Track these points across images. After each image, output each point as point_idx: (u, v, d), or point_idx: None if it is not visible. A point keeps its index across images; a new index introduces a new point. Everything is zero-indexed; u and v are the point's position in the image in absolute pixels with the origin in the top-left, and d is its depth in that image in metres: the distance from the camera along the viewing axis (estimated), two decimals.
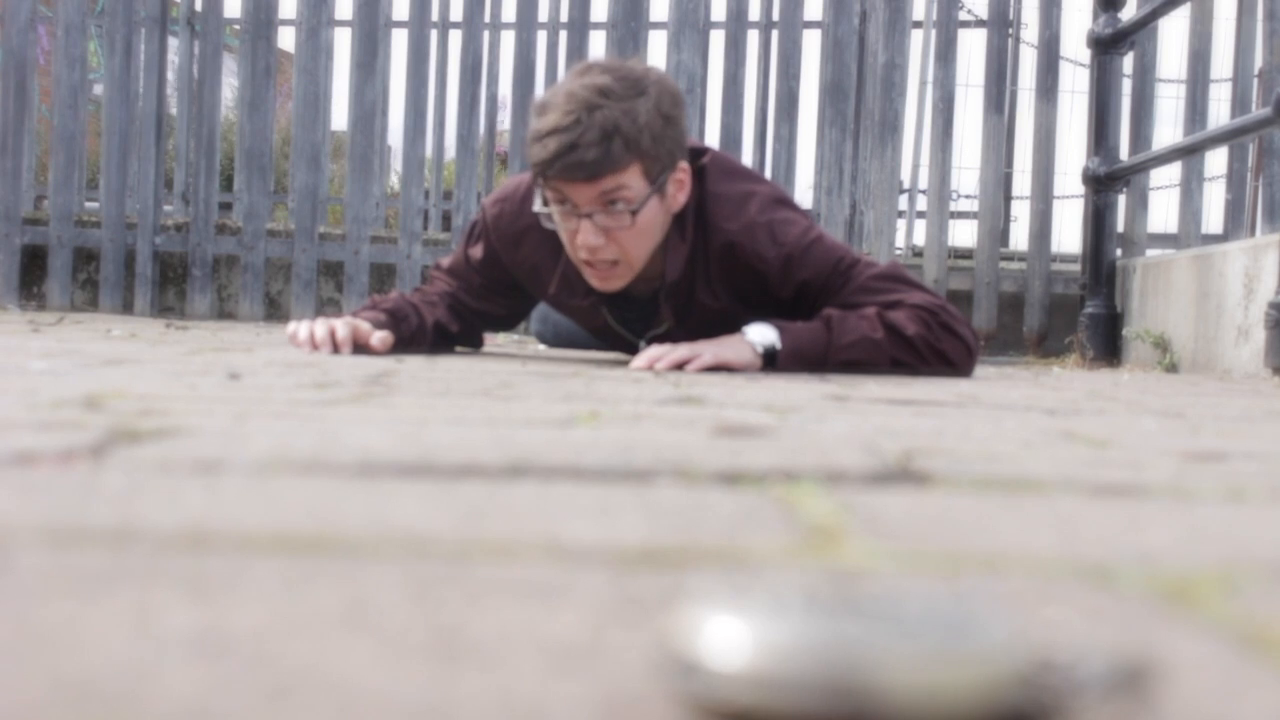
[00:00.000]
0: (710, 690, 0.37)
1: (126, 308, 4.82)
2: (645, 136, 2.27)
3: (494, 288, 2.66)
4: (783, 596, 0.40)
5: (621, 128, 2.24)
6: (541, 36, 4.84)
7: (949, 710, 0.36)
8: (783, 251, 2.42)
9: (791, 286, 2.43)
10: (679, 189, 2.39)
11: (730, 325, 2.47)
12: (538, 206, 2.37)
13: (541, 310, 3.10)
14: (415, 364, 2.31)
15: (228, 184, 4.95)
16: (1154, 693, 0.39)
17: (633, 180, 2.28)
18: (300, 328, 2.49)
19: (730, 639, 0.38)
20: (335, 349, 2.43)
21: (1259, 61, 4.04)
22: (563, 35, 4.83)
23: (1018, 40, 5.24)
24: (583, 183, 2.26)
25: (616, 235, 2.32)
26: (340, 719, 0.38)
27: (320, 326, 2.47)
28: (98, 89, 5.17)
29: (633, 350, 2.61)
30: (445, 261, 2.71)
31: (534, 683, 0.42)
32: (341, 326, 2.45)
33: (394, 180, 5.17)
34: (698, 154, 2.47)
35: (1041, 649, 0.39)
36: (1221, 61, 4.05)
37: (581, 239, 2.32)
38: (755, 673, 0.37)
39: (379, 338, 2.45)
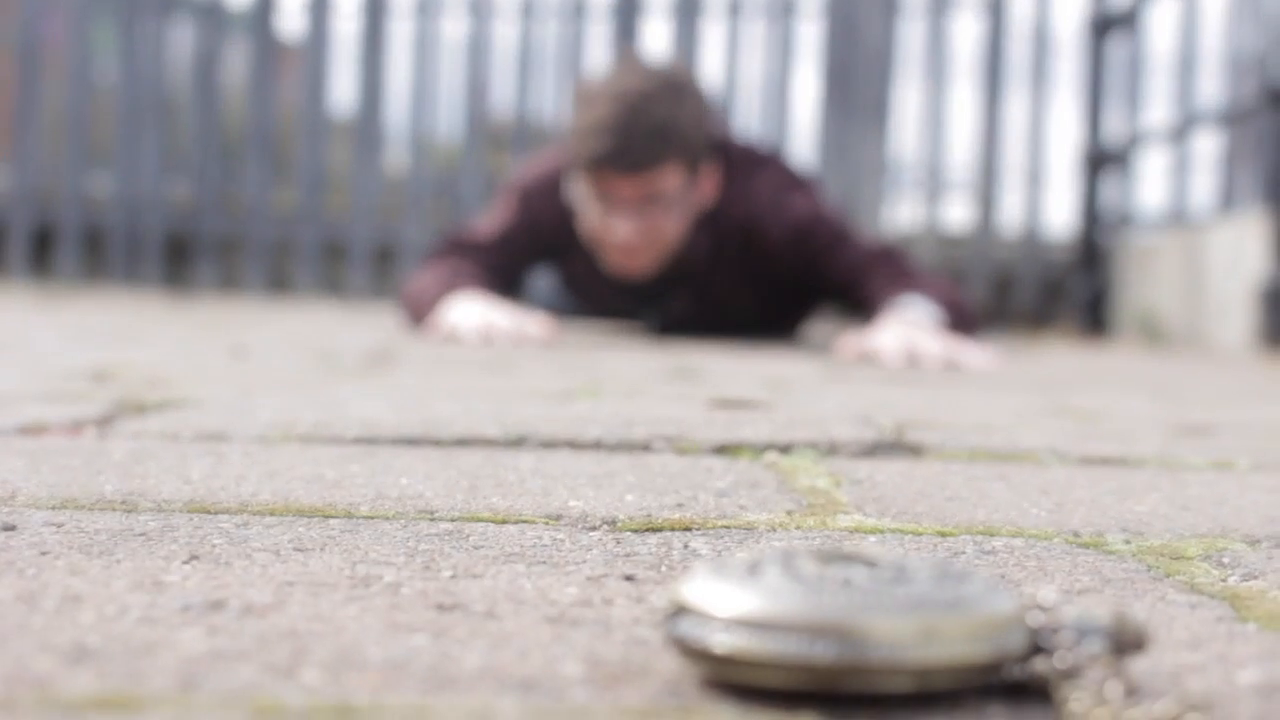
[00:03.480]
0: (702, 637, 0.38)
1: (134, 284, 4.83)
2: (687, 136, 2.36)
3: (521, 261, 2.65)
4: (774, 552, 0.41)
5: (668, 127, 2.32)
6: (549, 22, 4.83)
7: (939, 655, 0.37)
8: (791, 230, 2.45)
9: (801, 263, 2.46)
10: (708, 183, 2.46)
11: (740, 302, 2.56)
12: (574, 194, 2.42)
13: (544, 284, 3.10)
14: (415, 339, 2.32)
15: (235, 162, 4.94)
16: (1145, 644, 0.40)
17: (672, 176, 2.35)
18: (463, 323, 2.31)
19: (722, 587, 0.39)
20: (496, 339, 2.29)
21: (1252, 41, 4.04)
22: (565, 21, 4.82)
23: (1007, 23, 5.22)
24: (628, 178, 2.33)
25: (650, 227, 2.39)
26: (343, 679, 0.39)
27: (481, 319, 2.32)
28: (108, 70, 5.17)
29: (636, 317, 2.66)
30: (470, 234, 2.64)
31: (533, 642, 0.44)
32: (503, 318, 2.32)
33: (397, 159, 5.16)
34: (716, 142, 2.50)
35: (1032, 597, 0.40)
36: (1213, 41, 4.04)
37: (618, 230, 2.38)
38: (745, 618, 0.38)
39: (539, 327, 2.33)
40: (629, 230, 2.37)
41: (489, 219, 2.67)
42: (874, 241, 2.52)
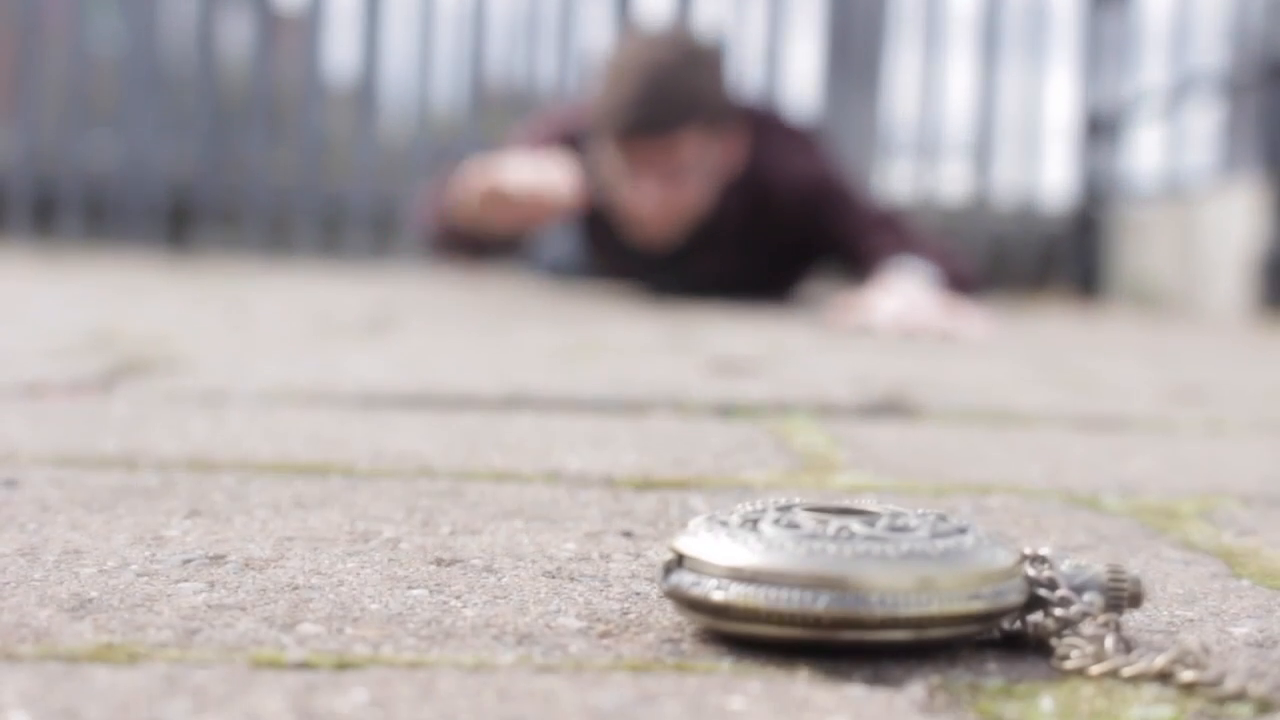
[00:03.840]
0: (699, 589, 0.38)
1: (135, 248, 4.82)
2: (712, 101, 2.37)
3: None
4: (771, 504, 0.41)
5: (696, 96, 2.33)
6: None
7: (937, 607, 0.37)
8: (802, 190, 2.47)
9: (808, 223, 2.49)
10: (732, 149, 2.46)
11: (745, 263, 2.58)
12: (599, 164, 2.41)
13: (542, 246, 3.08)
14: (415, 301, 2.32)
15: (235, 128, 4.92)
16: (1142, 599, 0.40)
17: (697, 142, 2.35)
18: (509, 172, 2.28)
19: (719, 540, 0.39)
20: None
21: (1252, 8, 4.02)
22: None
23: None
24: (654, 143, 2.32)
25: (676, 193, 2.39)
26: (342, 631, 0.39)
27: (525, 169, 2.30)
28: (108, 36, 5.16)
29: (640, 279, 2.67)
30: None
31: (531, 596, 0.44)
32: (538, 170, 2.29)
33: (396, 126, 5.15)
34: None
35: (1029, 550, 0.41)
36: (1212, 7, 4.02)
37: (644, 197, 2.38)
38: (742, 570, 0.38)
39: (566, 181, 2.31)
40: (655, 196, 2.37)
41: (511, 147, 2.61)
42: (880, 205, 2.54)
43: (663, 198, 2.38)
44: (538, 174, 2.28)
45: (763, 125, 2.55)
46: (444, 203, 2.46)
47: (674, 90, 2.31)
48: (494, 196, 2.27)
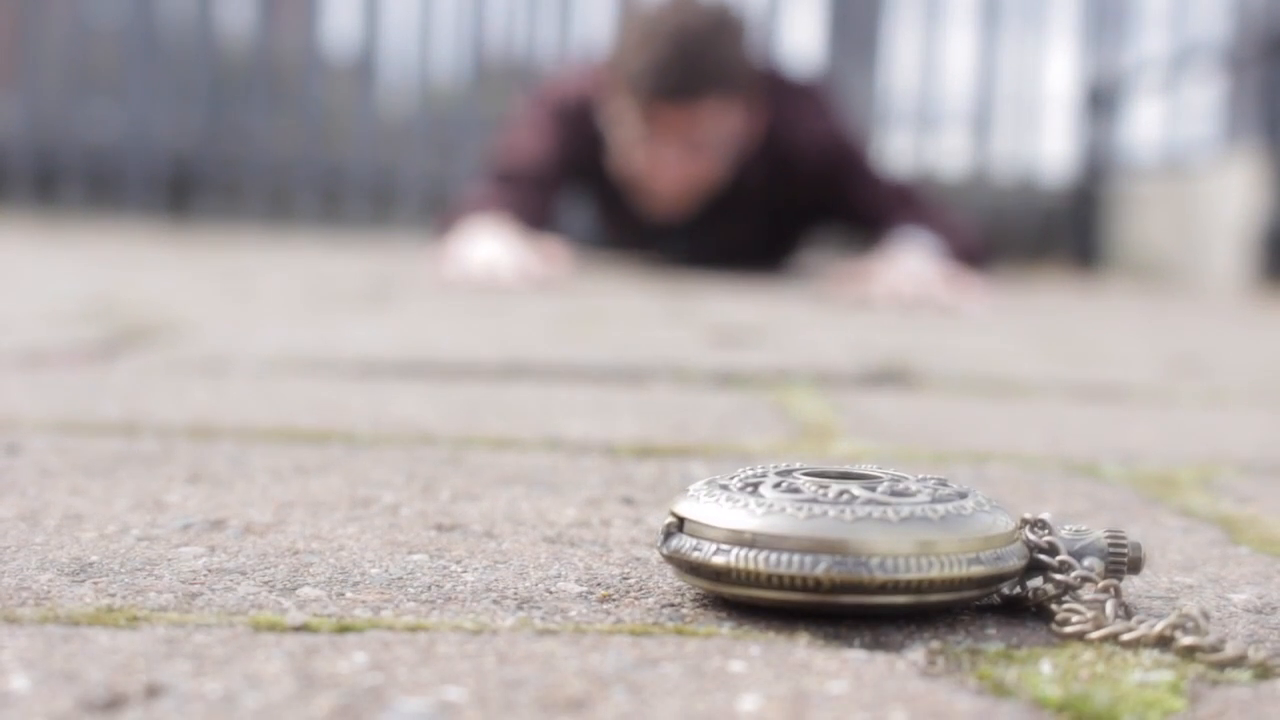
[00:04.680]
0: (699, 554, 0.38)
1: (137, 217, 4.82)
2: (738, 69, 2.32)
3: (557, 184, 2.52)
4: (771, 469, 0.41)
5: (724, 64, 2.29)
6: None
7: (937, 572, 0.37)
8: (819, 159, 2.46)
9: (824, 191, 2.47)
10: (754, 118, 2.42)
11: (755, 230, 2.55)
12: (616, 126, 2.36)
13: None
14: (415, 270, 2.32)
15: (236, 98, 4.91)
16: (1141, 565, 0.40)
17: (726, 109, 2.31)
18: (471, 258, 2.17)
19: (719, 504, 0.39)
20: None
21: None
22: None
23: None
24: (680, 108, 2.27)
25: (696, 161, 2.35)
26: (342, 595, 0.39)
27: (486, 257, 2.17)
28: (110, 6, 5.14)
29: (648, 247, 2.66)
30: (513, 161, 2.50)
31: (531, 561, 0.44)
32: (508, 256, 2.17)
33: (397, 98, 5.14)
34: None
35: (1030, 515, 0.41)
36: None
37: (664, 163, 2.34)
38: (742, 535, 0.38)
39: (544, 265, 2.18)
40: (675, 163, 2.34)
41: (524, 139, 2.54)
42: (896, 175, 2.54)
43: (681, 166, 2.34)
44: (515, 260, 2.14)
45: (779, 89, 2.51)
46: (441, 234, 2.38)
47: (704, 57, 2.27)
48: (472, 279, 2.14)
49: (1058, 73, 4.58)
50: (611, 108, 2.38)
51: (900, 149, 4.61)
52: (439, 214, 2.48)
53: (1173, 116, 3.99)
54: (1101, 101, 4.13)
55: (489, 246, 2.19)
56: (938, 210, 2.43)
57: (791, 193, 2.49)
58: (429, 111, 4.86)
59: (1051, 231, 4.45)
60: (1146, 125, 4.29)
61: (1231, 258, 3.13)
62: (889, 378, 0.97)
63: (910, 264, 2.15)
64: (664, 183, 2.37)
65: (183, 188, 4.88)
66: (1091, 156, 4.18)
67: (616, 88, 2.33)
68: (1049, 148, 4.59)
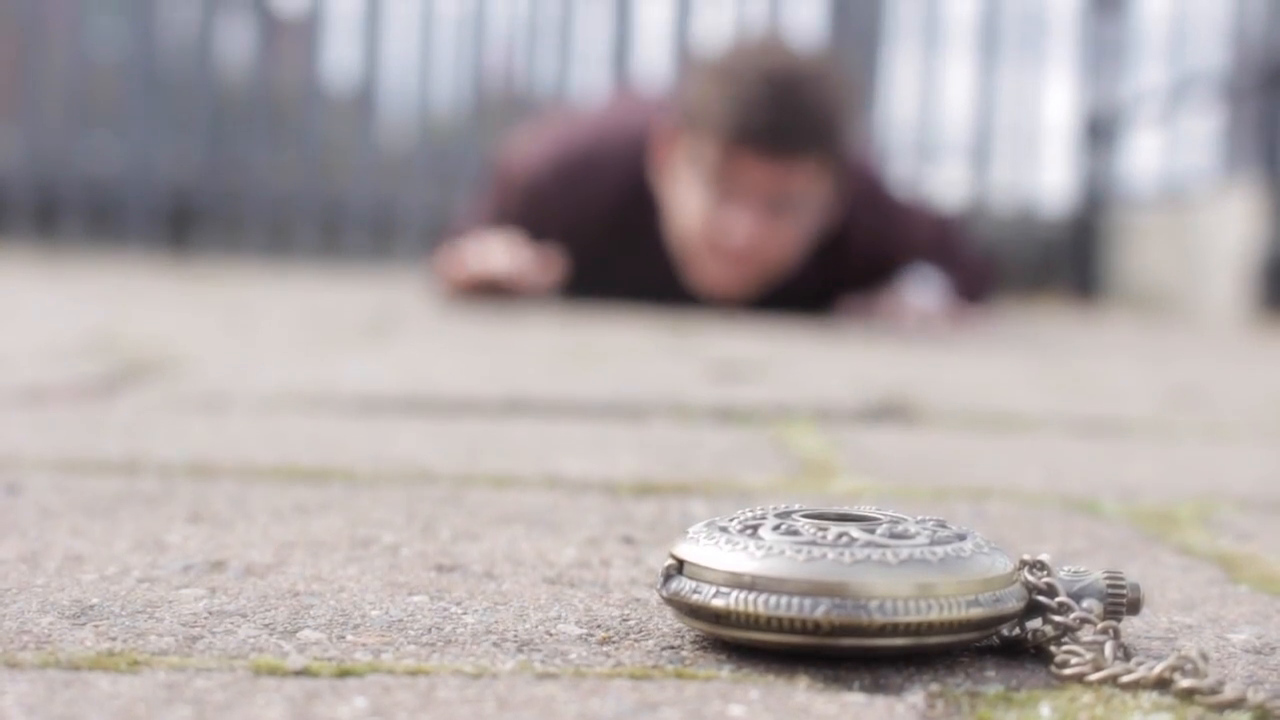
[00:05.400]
0: (698, 596, 0.38)
1: (137, 250, 4.82)
2: (841, 130, 2.00)
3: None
4: (770, 511, 0.42)
5: (828, 114, 1.97)
6: None
7: (936, 614, 0.37)
8: (881, 255, 2.19)
9: (875, 274, 2.20)
10: (837, 201, 2.10)
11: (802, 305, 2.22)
12: (676, 174, 2.05)
13: None
14: (415, 304, 2.32)
15: (236, 133, 4.92)
16: (1140, 605, 0.40)
17: (820, 174, 2.00)
18: (473, 259, 2.10)
19: (718, 546, 0.39)
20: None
21: (1250, 11, 4.03)
22: None
23: None
24: (771, 163, 1.95)
25: (779, 232, 2.01)
26: (343, 638, 0.39)
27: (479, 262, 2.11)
28: (110, 39, 5.16)
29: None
30: (505, 173, 2.26)
31: (531, 603, 0.44)
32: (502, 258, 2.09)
33: (397, 131, 5.16)
34: None
35: (1028, 557, 0.41)
36: (1211, 10, 4.03)
37: (736, 225, 1.98)
38: (742, 577, 0.38)
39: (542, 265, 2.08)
40: (749, 228, 1.97)
41: (539, 142, 2.26)
42: (932, 218, 2.30)
43: (757, 233, 1.98)
44: (512, 260, 2.08)
45: (866, 185, 2.19)
46: (443, 270, 2.20)
47: (811, 107, 1.94)
48: (472, 284, 2.12)
49: (1056, 104, 4.60)
50: (672, 155, 2.06)
51: (899, 180, 4.62)
52: (442, 234, 2.36)
53: (1171, 147, 4.00)
54: (1100, 132, 4.14)
55: (491, 249, 2.11)
56: (959, 249, 2.31)
57: (840, 277, 2.19)
58: (429, 144, 4.87)
59: (1051, 263, 4.46)
60: (1145, 156, 4.31)
61: (1231, 288, 3.13)
62: (889, 413, 0.97)
63: (914, 296, 2.13)
64: (730, 252, 2.01)
65: (183, 220, 4.89)
66: (1090, 187, 4.19)
67: (696, 121, 1.99)
68: (1048, 178, 4.60)
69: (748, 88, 1.93)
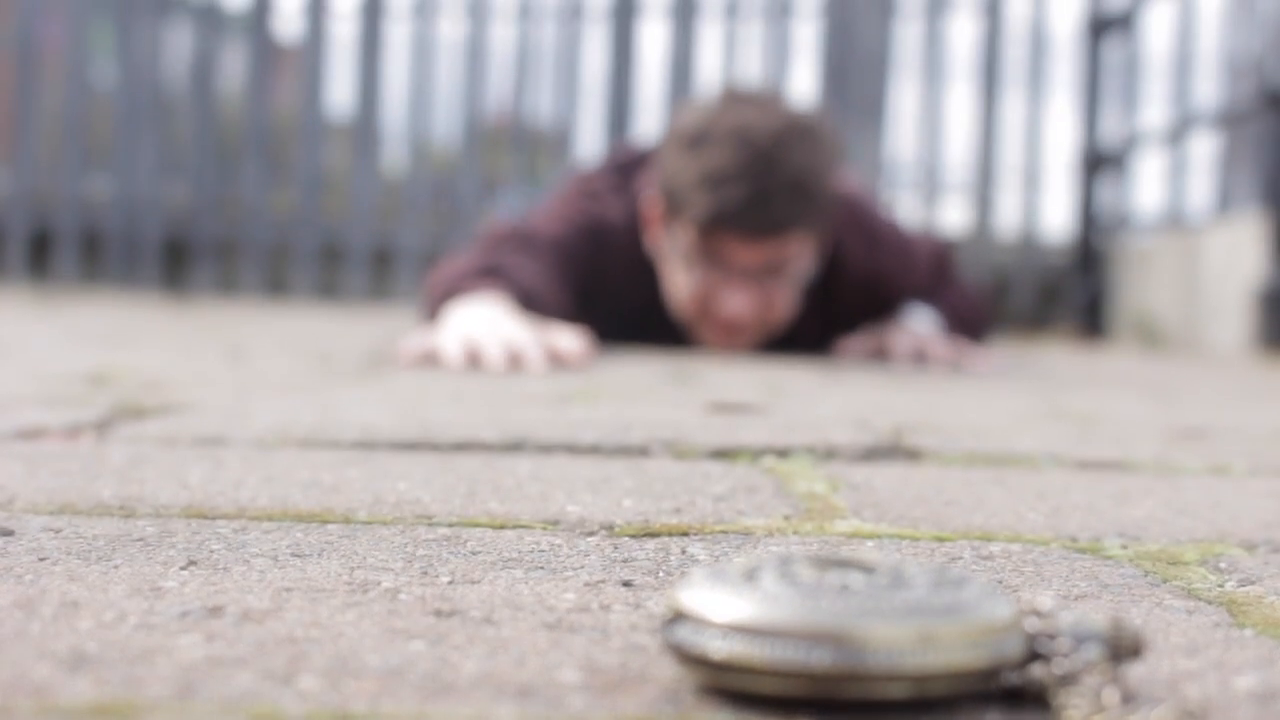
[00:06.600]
0: (699, 644, 0.38)
1: (132, 286, 4.83)
2: (824, 195, 1.96)
3: (571, 278, 2.04)
4: (771, 557, 0.41)
5: (807, 183, 1.92)
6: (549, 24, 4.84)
7: (937, 661, 0.37)
8: (869, 279, 2.16)
9: (871, 306, 2.20)
10: (825, 246, 2.08)
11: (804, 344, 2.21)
12: (667, 247, 2.02)
13: None
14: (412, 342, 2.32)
15: (233, 165, 4.93)
16: (1142, 650, 0.40)
17: (804, 242, 1.98)
18: (470, 335, 1.71)
19: (719, 593, 0.39)
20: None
21: (1249, 42, 4.04)
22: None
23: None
24: (756, 243, 1.93)
25: (766, 301, 2.00)
26: (341, 685, 0.39)
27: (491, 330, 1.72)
28: (105, 72, 5.18)
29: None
30: (525, 227, 2.06)
31: (530, 649, 0.44)
32: (531, 343, 1.70)
33: (395, 162, 5.17)
34: None
35: (1029, 603, 0.40)
36: (1210, 42, 4.04)
37: (729, 303, 1.98)
38: (743, 625, 0.38)
39: (573, 346, 1.73)
40: (742, 304, 1.97)
41: (548, 214, 2.13)
42: (926, 249, 2.27)
43: (749, 303, 1.98)
44: (502, 337, 1.69)
45: (852, 211, 2.15)
46: (431, 308, 1.91)
47: (790, 180, 1.90)
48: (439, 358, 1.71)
49: (1059, 137, 4.61)
50: (659, 229, 2.03)
51: (903, 212, 4.63)
52: (427, 288, 1.97)
53: (1175, 178, 4.01)
54: (1103, 163, 4.15)
55: (491, 318, 1.75)
56: (954, 276, 2.31)
57: (836, 309, 2.18)
58: (427, 179, 4.88)
59: (1054, 295, 4.46)
60: (1148, 187, 4.32)
61: (1236, 321, 3.13)
62: (890, 451, 0.97)
63: (912, 332, 2.13)
64: (727, 321, 2.01)
65: (179, 255, 4.89)
66: (1093, 219, 4.20)
67: (676, 201, 1.95)
68: (1051, 210, 4.61)
69: (722, 167, 1.89)
